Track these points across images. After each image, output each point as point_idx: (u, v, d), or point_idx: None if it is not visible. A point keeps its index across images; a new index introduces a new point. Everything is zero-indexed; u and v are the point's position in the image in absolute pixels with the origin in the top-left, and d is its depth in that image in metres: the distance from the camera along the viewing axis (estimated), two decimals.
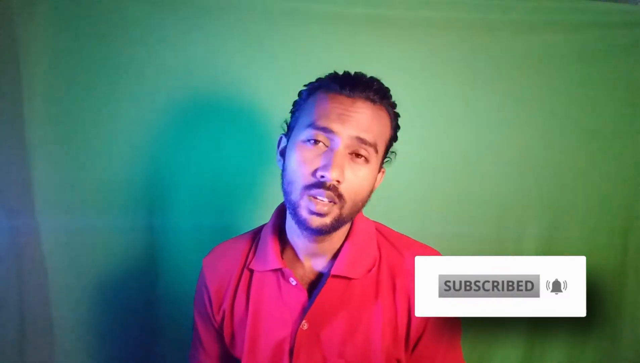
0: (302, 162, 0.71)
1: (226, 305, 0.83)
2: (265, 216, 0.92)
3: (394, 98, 0.78)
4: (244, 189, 1.16)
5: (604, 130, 1.21)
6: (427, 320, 0.78)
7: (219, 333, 0.86)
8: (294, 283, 0.78)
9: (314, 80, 0.78)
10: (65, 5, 1.05)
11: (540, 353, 1.26)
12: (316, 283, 0.80)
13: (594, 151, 1.21)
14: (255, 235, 0.87)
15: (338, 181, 0.69)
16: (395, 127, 0.79)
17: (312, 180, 0.70)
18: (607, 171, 1.22)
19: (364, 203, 0.75)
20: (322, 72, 0.78)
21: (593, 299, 1.24)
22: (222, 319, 0.84)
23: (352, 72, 0.76)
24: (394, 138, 0.79)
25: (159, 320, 1.17)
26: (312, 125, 0.71)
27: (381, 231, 0.85)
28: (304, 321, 0.77)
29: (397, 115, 0.79)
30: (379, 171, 0.78)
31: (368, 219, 0.85)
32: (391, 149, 0.80)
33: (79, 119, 1.08)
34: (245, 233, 0.89)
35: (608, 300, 1.26)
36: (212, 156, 1.14)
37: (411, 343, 0.80)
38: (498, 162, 1.20)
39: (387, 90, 0.76)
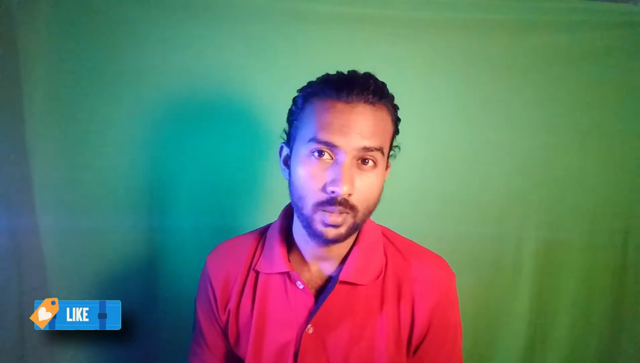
0: (310, 177, 0.69)
1: (232, 305, 0.82)
2: (265, 216, 0.92)
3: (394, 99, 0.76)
4: (244, 189, 1.16)
5: (603, 130, 1.21)
6: (429, 327, 0.78)
7: (223, 331, 0.86)
8: (300, 286, 0.77)
9: (308, 82, 0.76)
10: (66, 5, 1.04)
11: (541, 353, 1.26)
12: (323, 287, 0.79)
13: (594, 151, 1.21)
14: (261, 235, 0.86)
15: (349, 194, 0.68)
16: (396, 121, 0.77)
17: (322, 196, 0.68)
18: (607, 171, 1.22)
19: (375, 206, 0.74)
20: (322, 72, 0.76)
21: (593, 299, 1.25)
22: (227, 319, 0.84)
23: (346, 72, 0.73)
24: (396, 133, 0.77)
25: (158, 320, 1.17)
26: (314, 139, 0.68)
27: (387, 235, 0.84)
28: (309, 325, 0.77)
29: (396, 108, 0.76)
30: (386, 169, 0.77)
31: (374, 223, 0.84)
32: (394, 143, 0.78)
33: (79, 119, 1.08)
34: (250, 232, 0.89)
35: (608, 300, 1.26)
36: (213, 156, 1.14)
37: (412, 349, 0.80)
38: (498, 162, 1.20)
39: (383, 86, 0.73)
